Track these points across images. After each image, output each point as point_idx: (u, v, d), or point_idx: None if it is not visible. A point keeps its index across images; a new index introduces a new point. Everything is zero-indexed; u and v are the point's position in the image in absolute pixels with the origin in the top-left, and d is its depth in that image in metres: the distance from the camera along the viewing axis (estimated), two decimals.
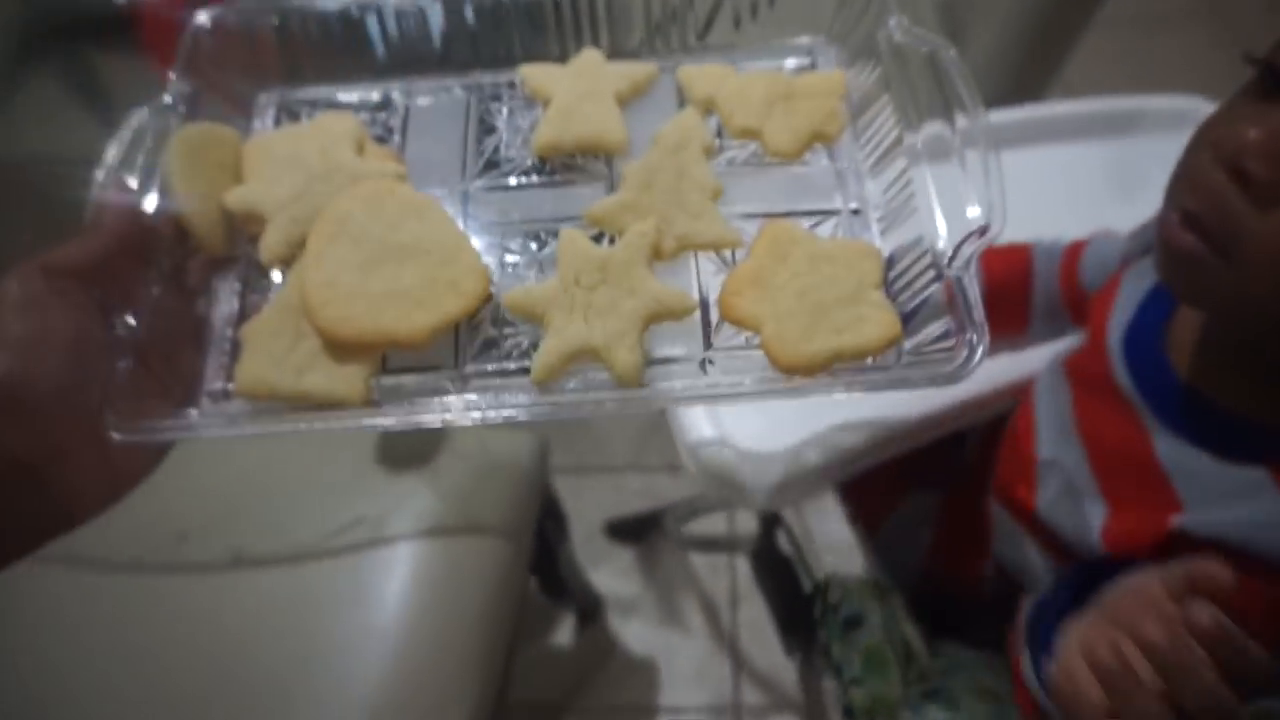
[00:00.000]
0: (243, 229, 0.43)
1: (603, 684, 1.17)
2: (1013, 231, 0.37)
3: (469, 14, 0.47)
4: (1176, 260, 0.41)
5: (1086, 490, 0.50)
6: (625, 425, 1.34)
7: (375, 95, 0.48)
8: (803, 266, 0.38)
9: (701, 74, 0.45)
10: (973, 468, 0.68)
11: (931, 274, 0.37)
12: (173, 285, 0.40)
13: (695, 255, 0.40)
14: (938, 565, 0.69)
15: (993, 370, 0.58)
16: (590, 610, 1.18)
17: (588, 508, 1.25)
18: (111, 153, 0.40)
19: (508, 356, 0.39)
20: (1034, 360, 0.59)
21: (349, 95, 0.48)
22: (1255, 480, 0.43)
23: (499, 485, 0.78)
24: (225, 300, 0.42)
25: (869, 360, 0.37)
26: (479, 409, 0.35)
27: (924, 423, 0.58)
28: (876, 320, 0.37)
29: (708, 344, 0.39)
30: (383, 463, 0.74)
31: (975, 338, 0.34)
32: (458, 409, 0.35)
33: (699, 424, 0.57)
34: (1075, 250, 0.61)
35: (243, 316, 0.41)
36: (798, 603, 0.67)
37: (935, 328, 0.36)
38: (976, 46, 0.87)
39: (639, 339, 0.37)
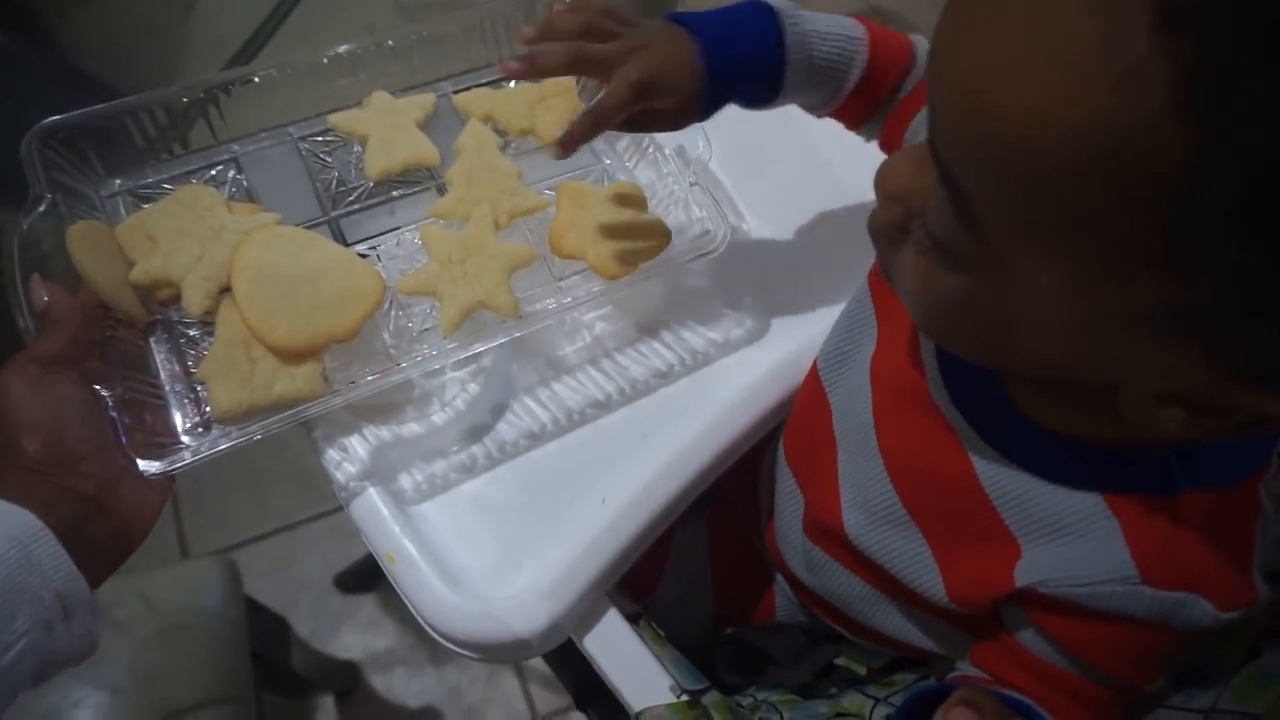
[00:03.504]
0: (150, 297, 0.51)
1: None
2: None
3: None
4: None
5: (894, 517, 0.45)
6: (299, 474, 1.20)
7: (206, 164, 0.57)
8: (596, 209, 0.56)
9: (473, 97, 0.60)
10: (729, 489, 0.63)
11: (680, 190, 0.57)
12: (115, 354, 0.48)
13: (523, 221, 0.56)
14: (728, 606, 0.63)
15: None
16: (345, 684, 1.09)
17: (310, 568, 1.15)
18: (15, 260, 0.47)
19: (411, 325, 0.53)
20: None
21: (181, 170, 0.56)
22: (1089, 507, 0.39)
23: (188, 647, 0.70)
24: (159, 359, 0.50)
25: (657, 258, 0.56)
26: (433, 358, 0.49)
27: (697, 480, 0.52)
28: (656, 229, 0.56)
29: (553, 275, 0.55)
30: None
31: (721, 223, 0.54)
32: (417, 364, 0.49)
33: (432, 587, 0.47)
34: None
35: (182, 366, 0.50)
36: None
37: (695, 227, 0.56)
38: None
39: (508, 286, 0.53)
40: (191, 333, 0.52)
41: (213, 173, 0.57)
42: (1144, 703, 0.44)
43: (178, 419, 0.49)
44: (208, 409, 0.48)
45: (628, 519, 0.49)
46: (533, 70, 0.46)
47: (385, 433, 0.52)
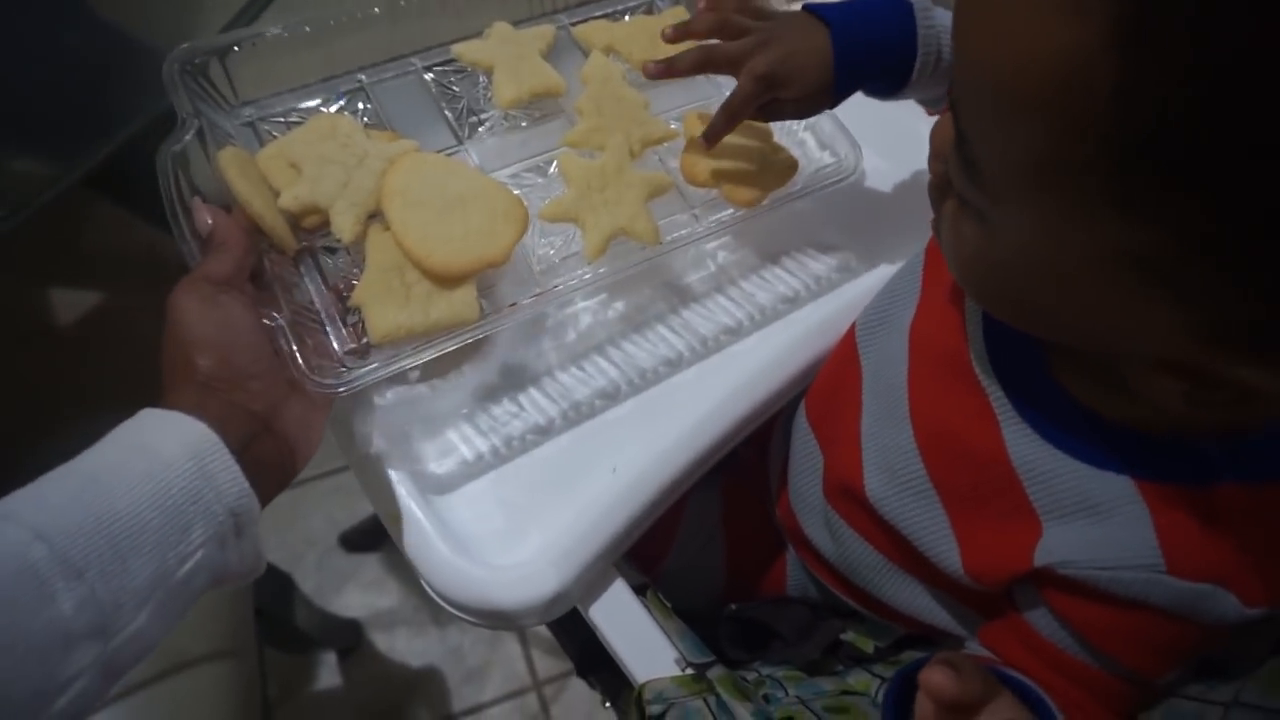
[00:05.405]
0: (297, 225, 0.51)
1: (388, 711, 1.07)
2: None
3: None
4: None
5: (916, 485, 0.45)
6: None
7: (331, 94, 0.56)
8: (725, 139, 0.57)
9: (592, 29, 0.60)
10: (744, 456, 0.62)
11: (796, 125, 0.57)
12: (271, 280, 0.48)
13: (650, 150, 0.57)
14: (740, 576, 0.63)
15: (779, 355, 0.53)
16: (348, 642, 1.10)
17: (315, 526, 1.16)
18: (172, 185, 0.47)
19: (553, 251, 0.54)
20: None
21: (311, 101, 0.56)
22: (1118, 491, 0.38)
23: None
24: (309, 285, 0.51)
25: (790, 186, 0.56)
26: (586, 281, 0.50)
27: (712, 450, 0.51)
28: (784, 160, 0.56)
29: (687, 204, 0.56)
30: None
31: (852, 152, 0.55)
32: (572, 286, 0.49)
33: (438, 551, 0.46)
34: None
35: (334, 292, 0.50)
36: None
37: (822, 156, 0.57)
38: None
39: (648, 213, 0.53)
40: (338, 260, 0.52)
41: (341, 103, 0.56)
42: (1158, 692, 0.43)
43: (335, 344, 0.49)
44: (364, 335, 0.49)
45: (639, 490, 0.49)
46: (671, 73, 0.51)
47: (392, 394, 0.51)
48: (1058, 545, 0.39)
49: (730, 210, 0.55)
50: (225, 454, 0.39)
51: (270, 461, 0.43)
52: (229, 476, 0.39)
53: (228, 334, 0.43)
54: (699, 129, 0.56)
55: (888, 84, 0.51)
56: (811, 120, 0.57)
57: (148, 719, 0.66)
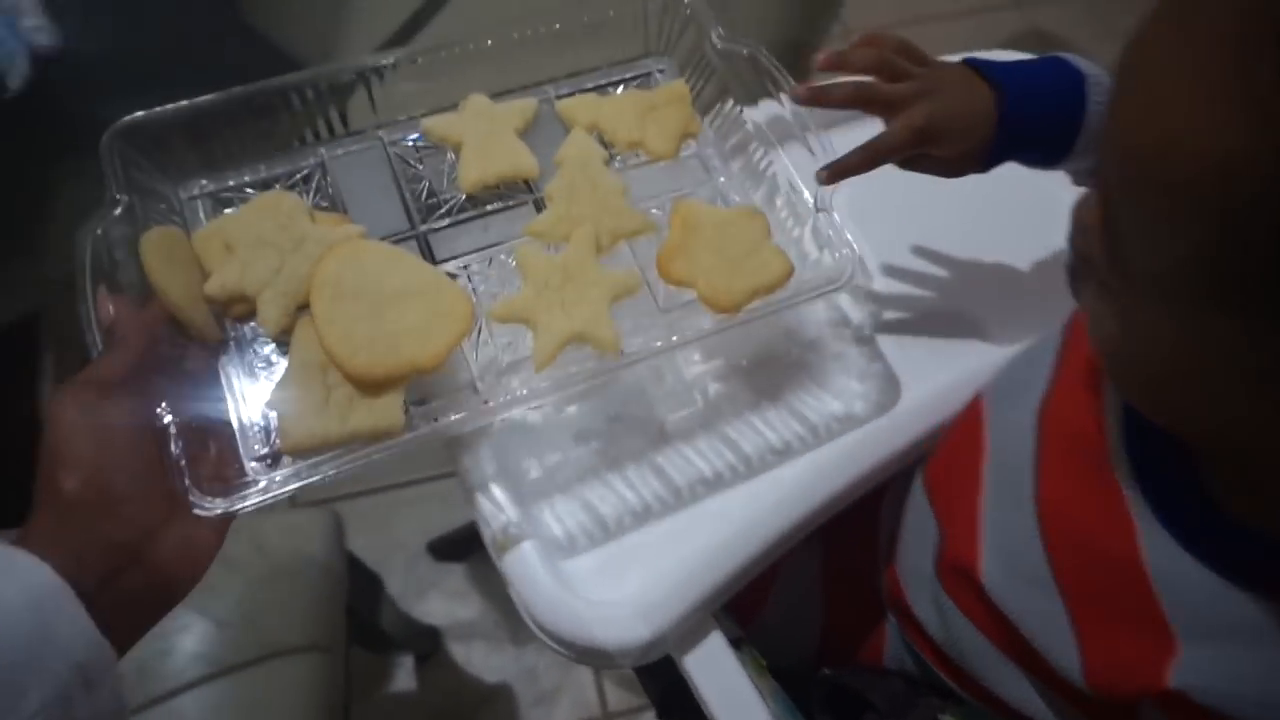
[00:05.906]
0: (224, 313, 0.47)
1: None
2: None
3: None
4: None
5: (1037, 576, 0.41)
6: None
7: (292, 169, 0.53)
8: (712, 233, 0.50)
9: (577, 104, 0.55)
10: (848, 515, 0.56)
11: (794, 223, 0.50)
12: (183, 376, 0.44)
13: (628, 244, 0.51)
14: (836, 639, 0.60)
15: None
16: (427, 648, 1.10)
17: (406, 530, 1.16)
18: (86, 270, 0.43)
19: (501, 355, 0.48)
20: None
21: (266, 173, 0.52)
22: (1267, 614, 0.34)
23: (292, 591, 0.72)
24: (229, 382, 0.46)
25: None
26: (523, 398, 0.44)
27: (826, 506, 0.49)
28: (777, 261, 0.49)
29: (659, 306, 0.50)
30: None
31: (850, 254, 0.48)
32: (506, 404, 0.44)
33: (542, 584, 0.46)
34: None
35: (255, 391, 0.46)
36: None
37: (812, 264, 0.50)
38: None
39: (609, 318, 0.47)
40: (267, 352, 0.47)
41: (299, 176, 0.53)
42: None
43: (244, 450, 0.44)
44: (276, 440, 0.44)
45: (747, 539, 0.47)
46: (819, 102, 0.48)
47: (510, 420, 0.49)
48: (1194, 669, 0.36)
49: (707, 319, 0.48)
50: (72, 602, 0.35)
51: (137, 597, 0.38)
52: (75, 628, 0.35)
53: (102, 452, 0.38)
54: (685, 220, 0.50)
55: (1046, 155, 0.48)
56: (811, 213, 0.50)
57: (238, 701, 0.66)
